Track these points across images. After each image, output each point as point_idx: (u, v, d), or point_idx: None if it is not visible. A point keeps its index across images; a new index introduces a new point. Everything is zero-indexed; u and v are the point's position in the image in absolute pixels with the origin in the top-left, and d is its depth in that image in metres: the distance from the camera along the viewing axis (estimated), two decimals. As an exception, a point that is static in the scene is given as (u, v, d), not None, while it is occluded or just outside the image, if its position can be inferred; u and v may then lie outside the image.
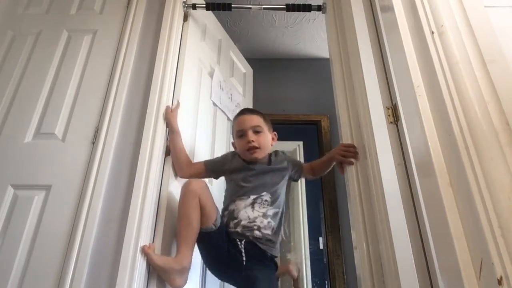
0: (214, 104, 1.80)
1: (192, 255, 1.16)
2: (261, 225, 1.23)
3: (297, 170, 1.42)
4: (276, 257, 1.28)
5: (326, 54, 2.71)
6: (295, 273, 1.71)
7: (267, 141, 1.38)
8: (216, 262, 1.26)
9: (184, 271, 1.14)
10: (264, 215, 1.25)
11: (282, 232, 1.32)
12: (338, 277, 2.25)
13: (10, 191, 1.24)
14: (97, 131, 1.34)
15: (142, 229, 1.15)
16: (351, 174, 1.26)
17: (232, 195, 1.31)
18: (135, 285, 1.07)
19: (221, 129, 1.83)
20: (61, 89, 1.44)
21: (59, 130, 1.36)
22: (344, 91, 1.41)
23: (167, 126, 1.39)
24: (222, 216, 1.27)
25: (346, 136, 1.34)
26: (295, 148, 2.74)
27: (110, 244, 1.15)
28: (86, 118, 1.38)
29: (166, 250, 1.23)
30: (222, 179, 1.47)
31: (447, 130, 0.74)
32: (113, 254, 1.13)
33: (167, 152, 1.38)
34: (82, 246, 1.13)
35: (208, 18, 1.93)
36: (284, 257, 2.47)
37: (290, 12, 1.99)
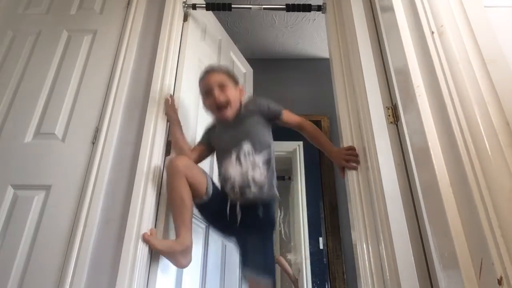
0: (214, 104, 1.80)
1: (191, 233, 1.17)
2: (255, 175, 1.23)
3: (272, 115, 1.36)
4: (274, 200, 1.28)
5: (326, 54, 2.71)
6: (290, 273, 1.83)
7: (235, 95, 1.36)
8: (217, 224, 1.35)
9: (187, 250, 1.15)
10: (253, 165, 1.24)
11: (275, 178, 1.31)
12: (338, 277, 2.25)
13: (10, 191, 1.24)
14: (97, 131, 1.34)
15: (142, 229, 1.15)
16: (351, 174, 1.26)
17: (220, 161, 1.34)
18: (135, 285, 1.08)
19: (221, 129, 1.83)
20: (61, 89, 1.44)
21: (59, 130, 1.36)
22: (344, 91, 1.41)
23: (167, 121, 1.40)
24: (223, 186, 1.29)
25: (346, 136, 1.34)
26: (295, 148, 2.74)
27: (110, 244, 1.16)
28: (86, 118, 1.38)
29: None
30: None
31: (447, 130, 0.74)
32: (113, 254, 1.13)
33: (167, 152, 1.38)
34: (82, 246, 1.14)
35: (208, 18, 1.93)
36: (284, 258, 2.47)
37: (290, 12, 1.99)
